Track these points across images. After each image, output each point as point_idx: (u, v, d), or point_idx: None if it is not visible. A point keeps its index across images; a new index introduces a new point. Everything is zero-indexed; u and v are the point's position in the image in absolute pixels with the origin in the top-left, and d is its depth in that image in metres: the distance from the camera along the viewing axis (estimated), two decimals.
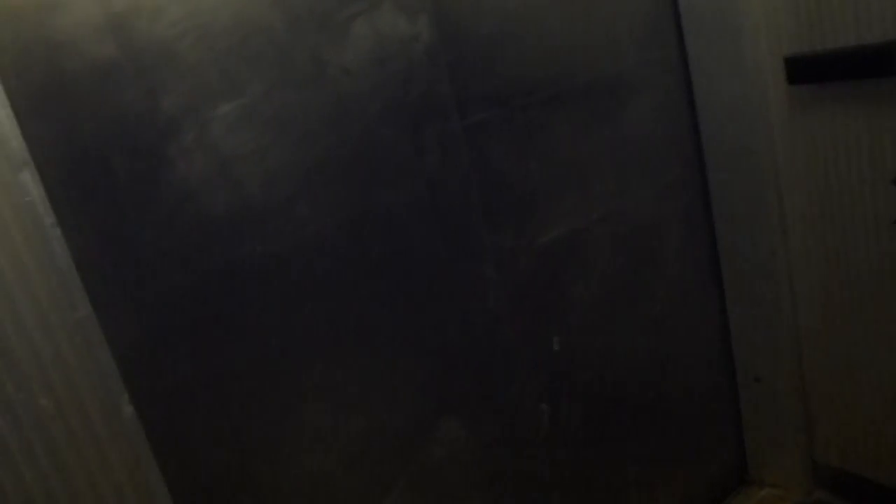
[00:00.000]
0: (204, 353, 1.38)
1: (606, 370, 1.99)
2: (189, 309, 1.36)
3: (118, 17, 1.24)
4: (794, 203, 1.97)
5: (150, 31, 1.27)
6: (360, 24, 1.48)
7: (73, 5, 1.20)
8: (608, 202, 1.93)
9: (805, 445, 2.17)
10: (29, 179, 1.08)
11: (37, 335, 1.11)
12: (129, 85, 1.26)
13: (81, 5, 1.20)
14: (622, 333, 2.02)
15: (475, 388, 1.75)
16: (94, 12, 1.22)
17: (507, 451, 1.81)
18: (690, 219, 2.11)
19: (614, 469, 2.05)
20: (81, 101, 1.22)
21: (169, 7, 1.28)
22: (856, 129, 1.76)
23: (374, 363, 1.59)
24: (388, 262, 1.57)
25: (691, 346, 2.17)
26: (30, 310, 1.10)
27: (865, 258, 1.86)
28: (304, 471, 1.51)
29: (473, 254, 1.69)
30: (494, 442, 1.79)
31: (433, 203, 1.61)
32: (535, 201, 1.79)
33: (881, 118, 1.71)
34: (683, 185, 2.08)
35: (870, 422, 2.00)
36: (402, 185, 1.57)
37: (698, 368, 2.20)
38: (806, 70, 1.80)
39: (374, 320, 1.58)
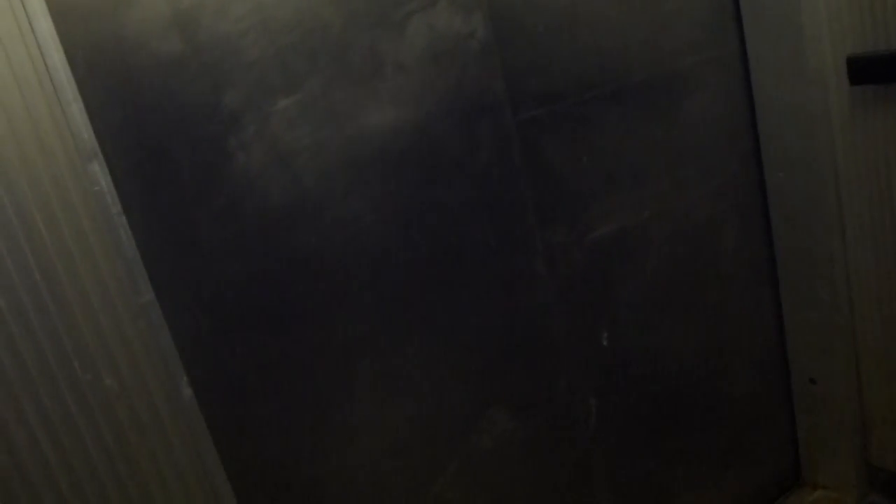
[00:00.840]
0: (258, 342, 1.42)
1: (656, 367, 1.99)
2: (245, 298, 1.40)
3: (184, 14, 1.29)
4: (853, 205, 1.94)
5: (215, 27, 1.32)
6: (416, 22, 1.50)
7: (143, 2, 1.25)
8: (661, 200, 1.93)
9: (860, 448, 2.14)
10: (98, 170, 1.14)
11: (103, 318, 1.16)
12: (193, 79, 1.31)
13: (150, 2, 1.26)
14: (673, 331, 2.01)
15: (524, 381, 1.76)
16: (162, 9, 1.27)
17: (554, 444, 1.83)
18: (746, 218, 2.09)
19: (663, 467, 2.05)
20: (148, 94, 1.27)
21: (232, 4, 1.33)
22: None
23: (423, 354, 1.62)
24: (440, 256, 1.60)
25: (745, 347, 2.15)
26: (97, 294, 1.15)
27: None
28: (353, 459, 1.55)
29: (524, 249, 1.71)
30: (542, 435, 1.80)
31: (485, 198, 1.63)
32: (586, 198, 1.80)
33: None
34: (739, 185, 2.06)
35: None
36: (455, 181, 1.59)
37: (752, 369, 2.18)
38: (869, 70, 1.77)
39: (424, 312, 1.61)
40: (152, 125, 1.28)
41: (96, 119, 1.17)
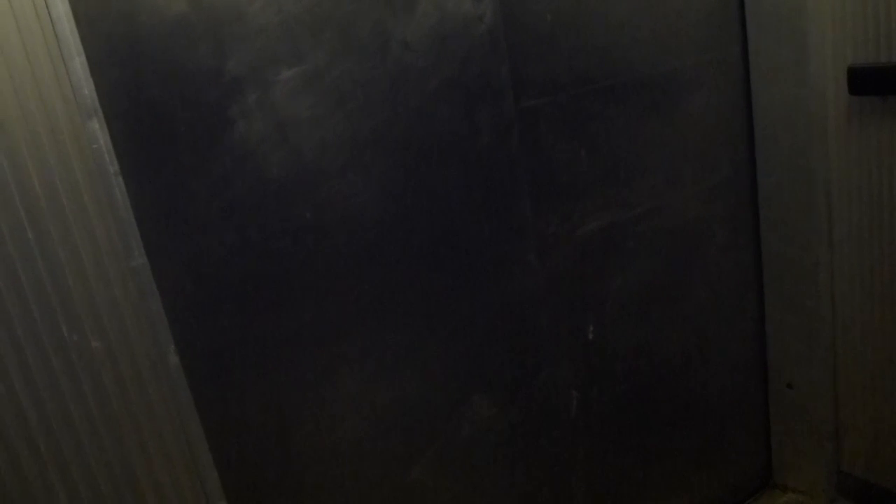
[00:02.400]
0: (246, 314, 1.41)
1: (638, 363, 2.00)
2: (236, 269, 1.38)
3: None
4: (842, 214, 1.95)
5: None
6: (426, 1, 1.49)
7: None
8: (654, 197, 1.93)
9: (832, 454, 2.16)
10: (97, 127, 1.11)
11: (93, 279, 1.14)
12: (197, 42, 1.28)
13: None
14: (657, 328, 2.02)
15: (508, 370, 1.76)
16: None
17: (534, 433, 1.83)
18: (736, 221, 2.10)
19: (638, 462, 2.06)
20: (150, 55, 1.24)
21: None
22: None
23: (411, 336, 1.61)
24: (433, 239, 1.59)
25: (725, 347, 2.16)
26: (88, 254, 1.13)
27: None
28: (336, 435, 1.54)
29: (517, 237, 1.70)
30: (522, 423, 1.81)
31: (482, 184, 1.62)
32: (581, 190, 1.79)
33: None
34: (731, 187, 2.07)
35: None
36: (453, 164, 1.58)
37: (730, 370, 2.19)
38: (869, 81, 1.78)
39: (414, 294, 1.60)
40: (153, 86, 1.25)
41: (96, 76, 1.14)
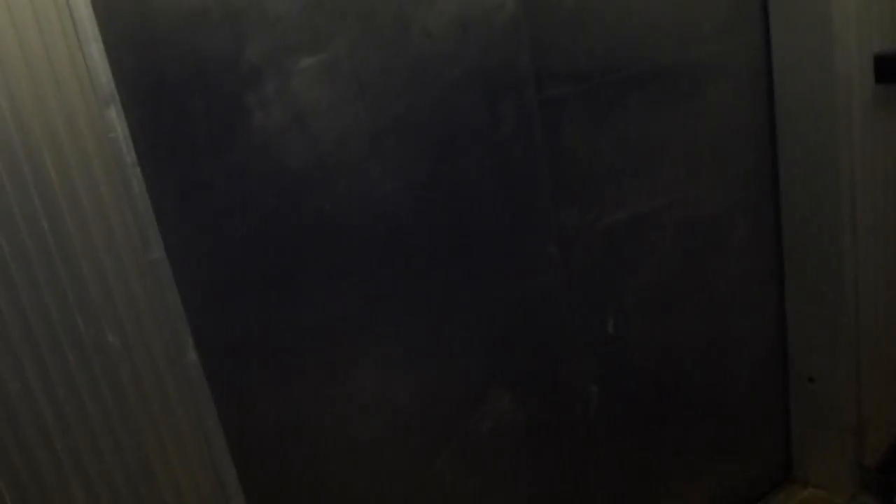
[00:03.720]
0: (265, 307, 1.38)
1: (658, 357, 1.97)
2: (254, 262, 1.35)
3: None
4: (867, 205, 1.92)
5: None
6: None
7: None
8: (676, 189, 1.89)
9: (854, 449, 2.13)
10: (114, 116, 1.08)
11: (110, 272, 1.11)
12: (215, 30, 1.25)
13: None
14: (677, 322, 1.98)
15: (527, 364, 1.73)
16: None
17: (553, 428, 1.80)
18: (757, 212, 2.06)
19: (658, 456, 2.03)
20: (168, 41, 1.21)
21: None
22: None
23: (429, 330, 1.58)
24: (453, 230, 1.56)
25: (746, 340, 2.13)
26: (105, 246, 1.10)
27: None
28: (353, 433, 1.52)
29: (537, 229, 1.67)
30: (542, 418, 1.78)
31: (503, 175, 1.59)
32: (602, 181, 1.76)
33: None
34: (753, 178, 2.03)
35: None
36: (473, 154, 1.55)
37: (751, 363, 2.16)
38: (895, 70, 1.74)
39: (433, 287, 1.56)
40: (170, 74, 1.22)
41: (113, 63, 1.11)
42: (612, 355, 1.87)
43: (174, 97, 1.23)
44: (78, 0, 1.03)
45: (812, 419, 2.21)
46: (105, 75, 1.07)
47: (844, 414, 2.11)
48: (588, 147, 1.72)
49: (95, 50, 1.05)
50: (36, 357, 1.07)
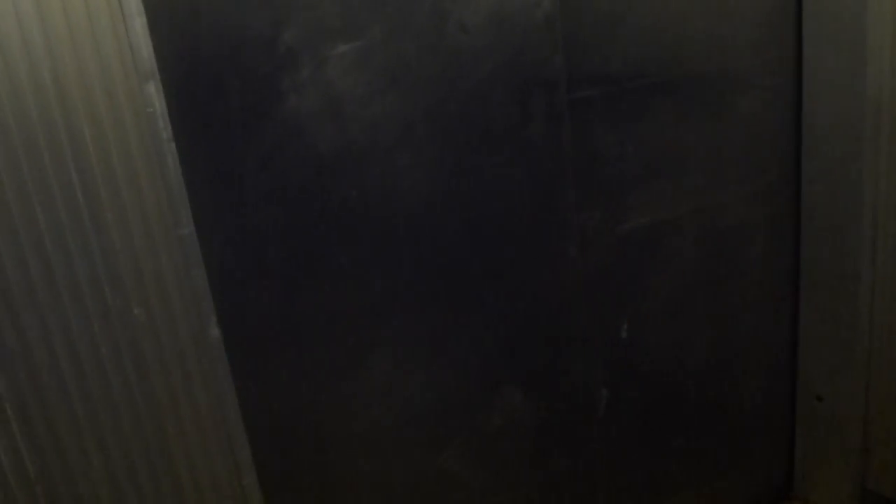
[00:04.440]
0: (287, 289, 1.39)
1: (669, 365, 1.97)
2: (278, 243, 1.36)
3: None
4: (889, 227, 1.91)
5: None
6: None
7: None
8: (698, 197, 1.89)
9: (858, 470, 2.13)
10: (153, 91, 1.09)
11: (140, 246, 1.12)
12: (255, 11, 1.26)
13: None
14: (690, 331, 1.99)
15: (540, 363, 1.74)
16: None
17: (561, 428, 1.81)
18: (777, 226, 2.06)
19: (661, 464, 2.03)
20: (208, 20, 1.22)
21: None
22: None
23: (444, 323, 1.59)
24: (475, 225, 1.56)
25: (757, 354, 2.13)
26: (137, 220, 1.11)
27: None
28: (364, 420, 1.53)
29: (560, 229, 1.67)
30: (551, 418, 1.78)
31: (529, 172, 1.60)
32: (626, 185, 1.76)
33: None
34: (775, 191, 2.03)
35: None
36: (502, 150, 1.55)
37: (760, 377, 2.16)
38: None
39: (452, 280, 1.57)
40: (209, 54, 1.23)
41: (154, 39, 1.12)
42: (623, 360, 1.88)
43: (211, 76, 1.24)
44: None
45: (817, 438, 2.21)
46: (147, 51, 1.08)
47: (850, 435, 2.11)
48: (614, 150, 1.73)
49: (139, 25, 1.06)
50: (63, 326, 1.09)
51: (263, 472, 1.35)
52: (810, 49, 1.93)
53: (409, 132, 1.44)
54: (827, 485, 2.22)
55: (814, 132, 1.98)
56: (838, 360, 2.09)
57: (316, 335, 1.43)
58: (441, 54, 1.45)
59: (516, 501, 1.80)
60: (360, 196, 1.42)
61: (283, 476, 1.44)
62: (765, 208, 2.03)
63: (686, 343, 1.99)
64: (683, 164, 1.85)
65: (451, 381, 1.63)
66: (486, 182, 1.55)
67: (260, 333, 1.36)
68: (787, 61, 1.96)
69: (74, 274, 1.08)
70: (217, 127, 1.26)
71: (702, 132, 1.86)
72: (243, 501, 1.30)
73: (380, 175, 1.43)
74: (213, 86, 1.24)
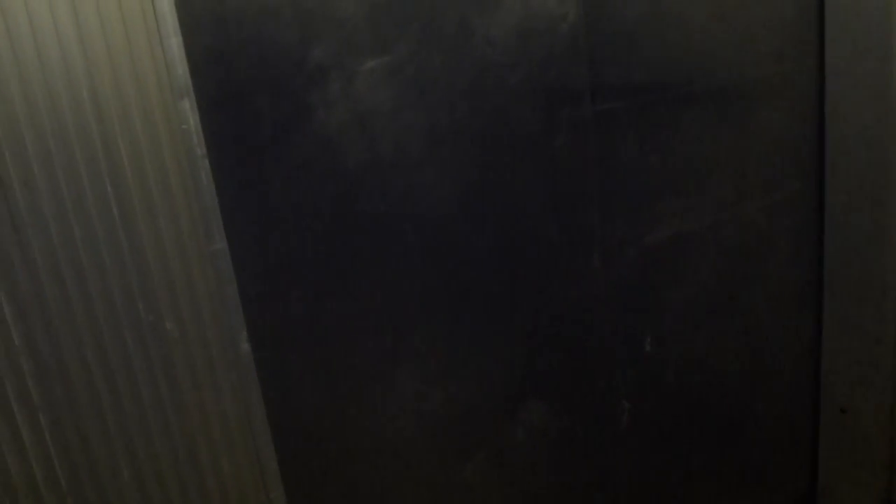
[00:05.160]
0: (314, 303, 1.39)
1: (691, 377, 1.96)
2: (306, 257, 1.37)
3: None
4: None
5: None
6: None
7: None
8: (721, 209, 1.89)
9: (884, 484, 2.11)
10: (188, 108, 1.11)
11: (173, 261, 1.13)
12: (285, 28, 1.27)
13: None
14: (713, 343, 1.98)
15: (563, 375, 1.74)
16: None
17: (584, 441, 1.81)
18: (800, 237, 2.05)
19: (683, 477, 2.03)
20: (239, 38, 1.23)
21: None
22: None
23: (470, 335, 1.59)
24: (501, 238, 1.57)
25: (780, 366, 2.12)
26: (170, 235, 1.12)
27: None
28: (392, 430, 1.53)
29: (584, 241, 1.68)
30: (573, 431, 1.78)
31: (554, 184, 1.60)
32: (650, 197, 1.76)
33: None
34: (799, 202, 2.02)
35: None
36: (527, 163, 1.56)
37: (783, 389, 2.15)
38: None
39: (477, 293, 1.58)
40: (239, 70, 1.24)
41: (189, 57, 1.13)
42: (646, 373, 1.87)
43: (243, 92, 1.25)
44: None
45: (841, 451, 2.19)
46: (182, 68, 1.09)
47: (875, 448, 2.09)
48: (638, 162, 1.73)
49: (175, 43, 1.08)
50: (97, 340, 1.10)
51: (290, 486, 1.35)
52: (833, 57, 1.93)
53: (436, 146, 1.45)
54: (851, 498, 2.20)
55: (838, 141, 1.97)
56: (863, 372, 2.08)
57: (342, 348, 1.43)
58: (468, 68, 1.46)
59: None
60: (388, 210, 1.43)
61: (309, 489, 1.44)
62: (788, 219, 2.02)
63: (709, 355, 1.98)
64: (707, 174, 1.85)
65: (475, 393, 1.63)
66: (512, 195, 1.56)
67: (287, 347, 1.37)
68: (810, 70, 1.96)
69: (108, 288, 1.09)
70: (248, 141, 1.27)
71: (725, 143, 1.86)
72: None
73: (407, 188, 1.44)
74: (244, 101, 1.25)
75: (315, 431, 1.44)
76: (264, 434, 1.27)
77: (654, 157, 1.75)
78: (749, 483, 2.18)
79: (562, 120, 1.58)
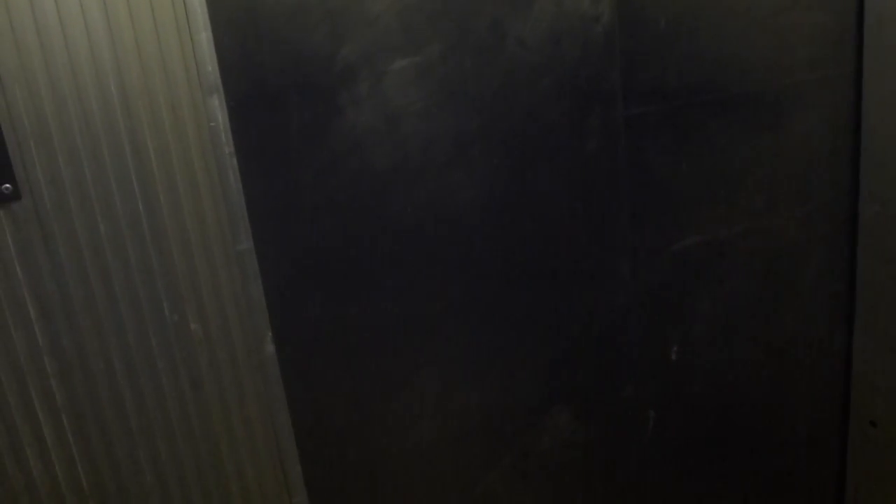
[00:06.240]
0: (339, 305, 1.38)
1: (718, 388, 1.93)
2: (332, 259, 1.35)
3: None
4: None
5: None
6: None
7: None
8: (752, 218, 1.85)
9: None
10: (217, 105, 1.09)
11: (199, 260, 1.12)
12: (314, 26, 1.25)
13: None
14: (741, 353, 1.94)
15: (589, 383, 1.71)
16: None
17: (609, 450, 1.78)
18: (832, 248, 2.01)
19: (709, 487, 1.99)
20: (268, 35, 1.21)
21: None
22: None
23: (494, 341, 1.57)
24: (528, 243, 1.54)
25: (808, 379, 2.08)
26: (197, 234, 1.11)
27: None
28: (415, 435, 1.51)
29: (612, 248, 1.65)
30: (599, 440, 1.75)
31: (584, 190, 1.57)
32: (680, 204, 1.73)
33: None
34: (832, 212, 1.98)
35: None
36: (557, 167, 1.53)
37: (812, 401, 2.11)
38: None
39: (503, 298, 1.55)
40: (268, 68, 1.22)
41: (219, 53, 1.11)
42: (672, 382, 1.84)
43: (271, 91, 1.23)
44: None
45: (871, 465, 2.15)
46: (212, 64, 1.08)
47: None
48: (669, 168, 1.70)
49: (204, 39, 1.06)
50: (121, 340, 1.08)
51: (313, 491, 1.33)
52: (871, 65, 1.89)
53: (465, 148, 1.42)
54: None
55: (872, 150, 1.93)
56: (894, 385, 2.03)
57: (365, 350, 1.41)
58: (499, 70, 1.43)
59: None
60: (415, 211, 1.40)
61: (329, 490, 1.42)
62: (820, 229, 1.98)
63: (736, 366, 1.94)
64: (738, 182, 1.81)
65: (501, 399, 1.60)
66: (540, 199, 1.53)
67: (312, 349, 1.35)
68: (846, 78, 1.92)
69: (133, 287, 1.08)
70: (275, 141, 1.25)
71: (757, 151, 1.82)
72: None
73: (435, 191, 1.41)
74: (272, 100, 1.23)
75: (338, 435, 1.42)
76: (288, 437, 1.25)
77: (685, 164, 1.72)
78: (775, 495, 2.13)
79: (593, 123, 1.55)
